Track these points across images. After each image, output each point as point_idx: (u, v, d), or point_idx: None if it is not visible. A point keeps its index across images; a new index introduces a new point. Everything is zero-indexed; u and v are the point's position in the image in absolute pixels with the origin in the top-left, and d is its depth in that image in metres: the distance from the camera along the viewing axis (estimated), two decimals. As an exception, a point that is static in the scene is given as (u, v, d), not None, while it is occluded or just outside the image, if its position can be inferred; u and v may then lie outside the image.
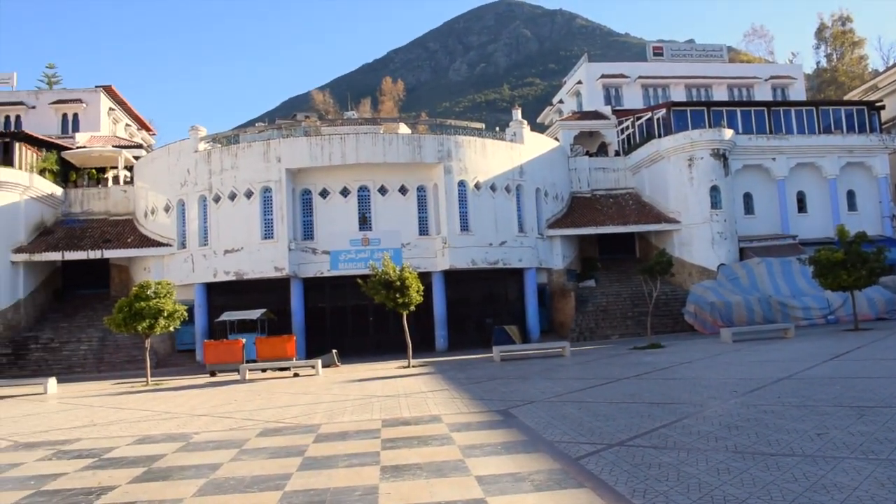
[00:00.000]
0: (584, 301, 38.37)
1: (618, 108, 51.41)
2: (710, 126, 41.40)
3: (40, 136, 41.99)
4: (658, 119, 43.41)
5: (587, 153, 47.82)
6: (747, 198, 42.27)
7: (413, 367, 25.81)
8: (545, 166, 39.93)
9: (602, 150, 49.38)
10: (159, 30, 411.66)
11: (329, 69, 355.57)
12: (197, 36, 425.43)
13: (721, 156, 39.41)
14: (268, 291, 34.84)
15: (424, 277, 30.07)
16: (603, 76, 53.82)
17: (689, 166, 39.54)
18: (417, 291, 26.61)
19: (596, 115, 50.32)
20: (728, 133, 39.94)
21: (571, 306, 37.75)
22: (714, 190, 39.13)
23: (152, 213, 38.25)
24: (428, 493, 7.49)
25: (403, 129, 38.72)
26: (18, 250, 36.08)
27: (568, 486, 7.43)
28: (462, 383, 18.99)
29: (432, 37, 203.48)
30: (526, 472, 8.14)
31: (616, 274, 41.75)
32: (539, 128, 55.82)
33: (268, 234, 34.31)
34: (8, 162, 37.26)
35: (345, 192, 34.94)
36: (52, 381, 25.54)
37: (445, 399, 15.68)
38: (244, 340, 28.97)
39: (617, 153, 47.44)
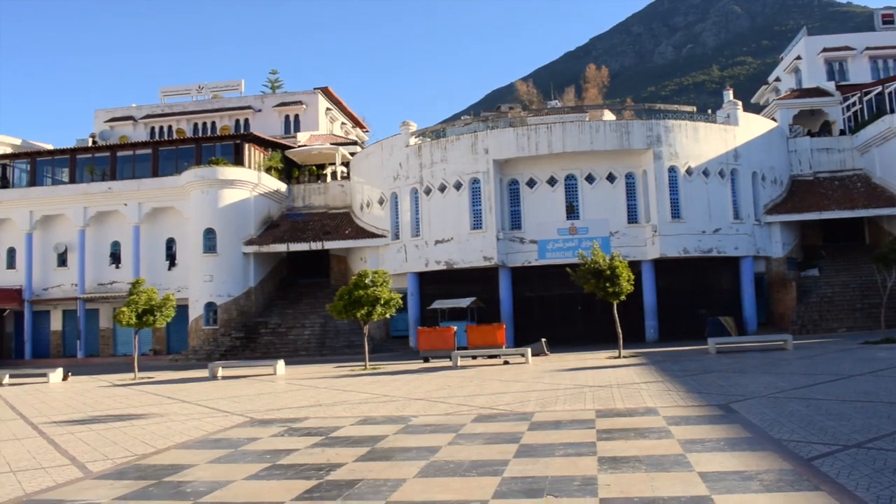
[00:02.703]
0: (807, 291, 36.02)
1: (842, 83, 47.65)
2: (953, 98, 37.49)
3: (266, 137, 45.18)
4: (890, 93, 39.79)
5: (808, 133, 44.73)
6: None
7: (624, 357, 25.34)
8: (762, 149, 37.80)
9: (825, 129, 46.01)
10: (369, 31, 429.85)
11: (531, 59, 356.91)
12: (403, 34, 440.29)
13: (967, 130, 35.56)
14: (476, 280, 35.46)
15: (633, 266, 29.43)
16: (825, 50, 50.10)
17: (928, 143, 35.96)
18: (628, 280, 26.02)
19: (817, 92, 46.94)
20: (975, 105, 35.98)
21: (792, 297, 35.57)
22: (959, 168, 35.38)
23: (367, 205, 40.05)
24: (649, 486, 7.29)
25: (608, 115, 38.11)
26: (249, 242, 39.10)
27: (801, 489, 6.95)
28: (677, 375, 18.43)
29: (636, 20, 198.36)
30: (753, 471, 7.72)
31: (842, 262, 38.77)
32: (753, 108, 52.86)
33: (476, 224, 34.91)
34: (239, 162, 40.47)
35: (552, 182, 34.88)
36: (281, 363, 27.37)
37: (660, 391, 15.27)
38: (455, 328, 29.60)
39: (842, 132, 44.02)
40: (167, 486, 8.41)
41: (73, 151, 44.29)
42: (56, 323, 43.25)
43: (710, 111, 38.17)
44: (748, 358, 22.84)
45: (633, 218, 34.69)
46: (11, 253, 42.79)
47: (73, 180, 42.78)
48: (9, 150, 47.54)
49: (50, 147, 48.93)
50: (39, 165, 44.04)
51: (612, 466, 8.28)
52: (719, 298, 36.23)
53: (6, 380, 27.93)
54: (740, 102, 37.92)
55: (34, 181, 43.41)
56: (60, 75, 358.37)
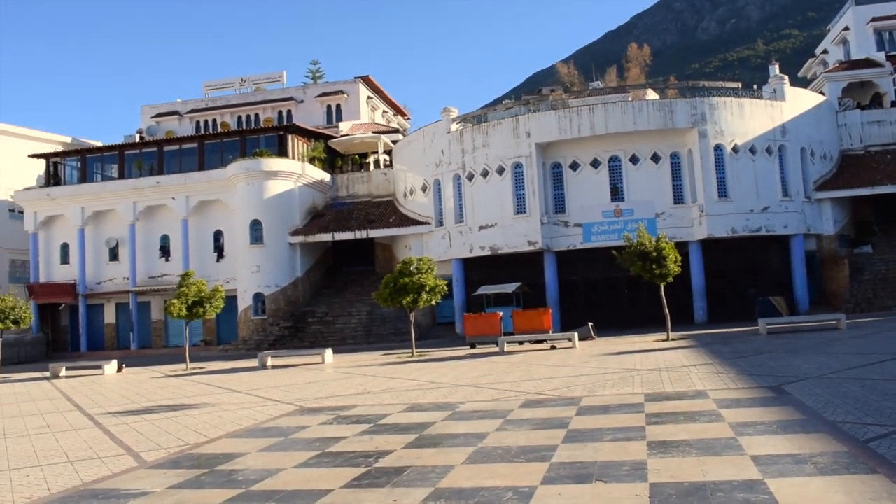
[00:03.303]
0: (860, 269, 35.24)
1: (893, 53, 46.35)
2: None
3: (309, 128, 45.52)
4: (944, 62, 38.59)
5: (858, 106, 43.62)
6: None
7: (672, 339, 25.06)
8: (810, 123, 37.00)
9: (876, 101, 44.81)
10: (407, 18, 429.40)
11: (571, 41, 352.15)
12: (441, 19, 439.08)
13: None
14: (521, 265, 35.35)
15: (680, 247, 29.08)
16: (874, 19, 48.70)
17: None
18: (675, 262, 25.72)
19: (867, 64, 45.75)
20: None
21: (845, 275, 34.84)
22: None
23: (411, 193, 40.13)
24: (700, 471, 7.17)
25: (652, 94, 37.63)
26: (295, 233, 39.46)
27: (857, 471, 6.76)
28: (727, 357, 18.19)
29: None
30: (807, 454, 7.53)
31: (896, 238, 37.85)
32: (800, 83, 51.71)
33: (520, 208, 34.79)
34: (283, 153, 40.81)
35: (595, 164, 34.58)
36: (329, 351, 27.61)
37: (710, 373, 15.07)
38: (501, 313, 29.52)
39: (893, 104, 42.85)
40: (219, 475, 8.53)
41: (122, 148, 45.09)
42: (109, 316, 44.19)
43: (755, 87, 37.43)
44: (800, 338, 22.44)
45: (678, 198, 34.25)
46: (65, 248, 43.79)
47: (122, 176, 43.59)
48: (60, 149, 48.64)
49: (99, 144, 49.98)
50: (89, 162, 44.96)
51: (661, 451, 8.16)
52: (769, 278, 35.64)
53: (63, 372, 28.68)
54: (787, 77, 37.13)
55: (85, 178, 44.33)
56: (106, 74, 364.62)
